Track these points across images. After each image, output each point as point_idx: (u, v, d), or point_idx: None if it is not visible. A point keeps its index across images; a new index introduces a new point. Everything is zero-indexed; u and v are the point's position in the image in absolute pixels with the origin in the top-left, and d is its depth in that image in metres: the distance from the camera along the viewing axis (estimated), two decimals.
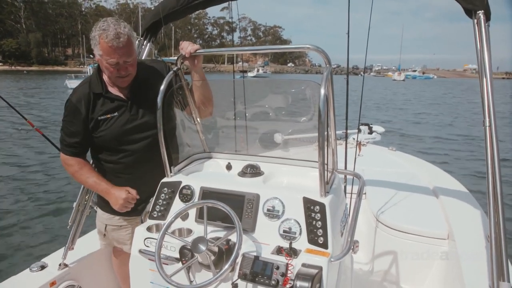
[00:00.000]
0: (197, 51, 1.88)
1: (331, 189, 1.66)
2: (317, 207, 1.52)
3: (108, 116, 1.95)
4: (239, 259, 1.43)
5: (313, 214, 1.52)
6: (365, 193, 3.09)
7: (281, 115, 2.07)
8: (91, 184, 2.01)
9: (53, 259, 2.23)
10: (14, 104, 3.29)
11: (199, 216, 1.70)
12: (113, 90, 1.98)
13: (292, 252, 1.42)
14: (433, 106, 28.57)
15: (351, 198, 1.97)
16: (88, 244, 2.40)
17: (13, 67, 79.83)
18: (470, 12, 1.82)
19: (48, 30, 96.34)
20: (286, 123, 2.16)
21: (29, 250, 5.21)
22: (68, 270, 2.17)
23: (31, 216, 6.41)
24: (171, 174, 1.91)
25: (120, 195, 1.93)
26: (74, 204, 2.24)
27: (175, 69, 1.97)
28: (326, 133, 1.55)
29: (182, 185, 1.80)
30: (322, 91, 1.45)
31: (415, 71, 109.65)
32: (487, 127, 1.72)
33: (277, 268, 1.37)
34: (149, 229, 1.71)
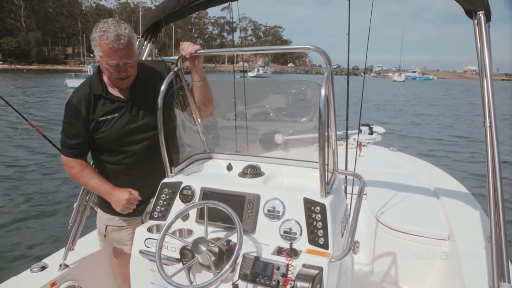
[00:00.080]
0: (198, 52, 1.89)
1: (331, 189, 1.66)
2: (318, 207, 1.52)
3: (109, 117, 1.94)
4: (239, 260, 1.43)
5: (313, 215, 1.52)
6: (365, 194, 3.09)
7: (282, 116, 2.07)
8: (93, 186, 2.00)
9: (53, 260, 2.23)
10: (13, 103, 3.29)
11: (200, 217, 1.70)
12: (114, 91, 1.98)
13: (293, 253, 1.43)
14: (433, 107, 28.57)
15: (351, 198, 1.97)
16: (89, 244, 2.40)
17: (13, 66, 79.72)
18: (471, 13, 1.82)
19: (48, 29, 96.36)
20: (287, 123, 2.16)
21: (29, 251, 5.20)
22: (68, 271, 2.17)
23: (31, 216, 6.40)
24: (172, 174, 1.91)
25: (122, 196, 1.93)
26: (75, 205, 2.24)
27: (175, 69, 1.97)
28: (326, 133, 1.56)
29: (182, 185, 1.80)
30: (323, 92, 1.46)
31: (414, 72, 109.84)
32: (488, 128, 1.72)
33: (278, 268, 1.37)
34: (149, 229, 1.71)
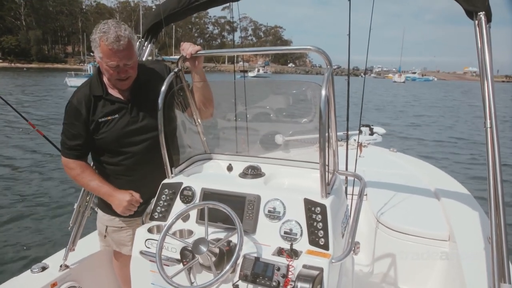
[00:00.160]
0: (198, 52, 1.89)
1: (332, 190, 1.66)
2: (318, 208, 1.52)
3: (109, 118, 1.94)
4: (240, 260, 1.43)
5: (314, 216, 1.52)
6: (366, 194, 3.09)
7: (282, 116, 2.07)
8: (94, 187, 2.00)
9: (54, 260, 2.23)
10: (11, 102, 3.28)
11: (200, 217, 1.70)
12: (114, 92, 1.98)
13: (293, 254, 1.43)
14: (433, 108, 28.56)
15: (352, 199, 1.98)
16: (89, 245, 2.40)
17: (12, 64, 79.63)
18: (471, 14, 1.81)
19: (48, 27, 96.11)
20: (287, 124, 2.16)
21: (29, 251, 5.19)
22: (69, 271, 2.17)
23: (31, 216, 6.40)
24: (172, 175, 1.91)
25: (123, 198, 1.93)
26: (75, 206, 2.24)
27: (175, 70, 1.96)
28: (327, 134, 1.56)
29: (183, 186, 1.80)
30: (323, 92, 1.46)
31: (414, 73, 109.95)
32: (488, 129, 1.72)
33: (278, 269, 1.37)
34: (150, 230, 1.71)
